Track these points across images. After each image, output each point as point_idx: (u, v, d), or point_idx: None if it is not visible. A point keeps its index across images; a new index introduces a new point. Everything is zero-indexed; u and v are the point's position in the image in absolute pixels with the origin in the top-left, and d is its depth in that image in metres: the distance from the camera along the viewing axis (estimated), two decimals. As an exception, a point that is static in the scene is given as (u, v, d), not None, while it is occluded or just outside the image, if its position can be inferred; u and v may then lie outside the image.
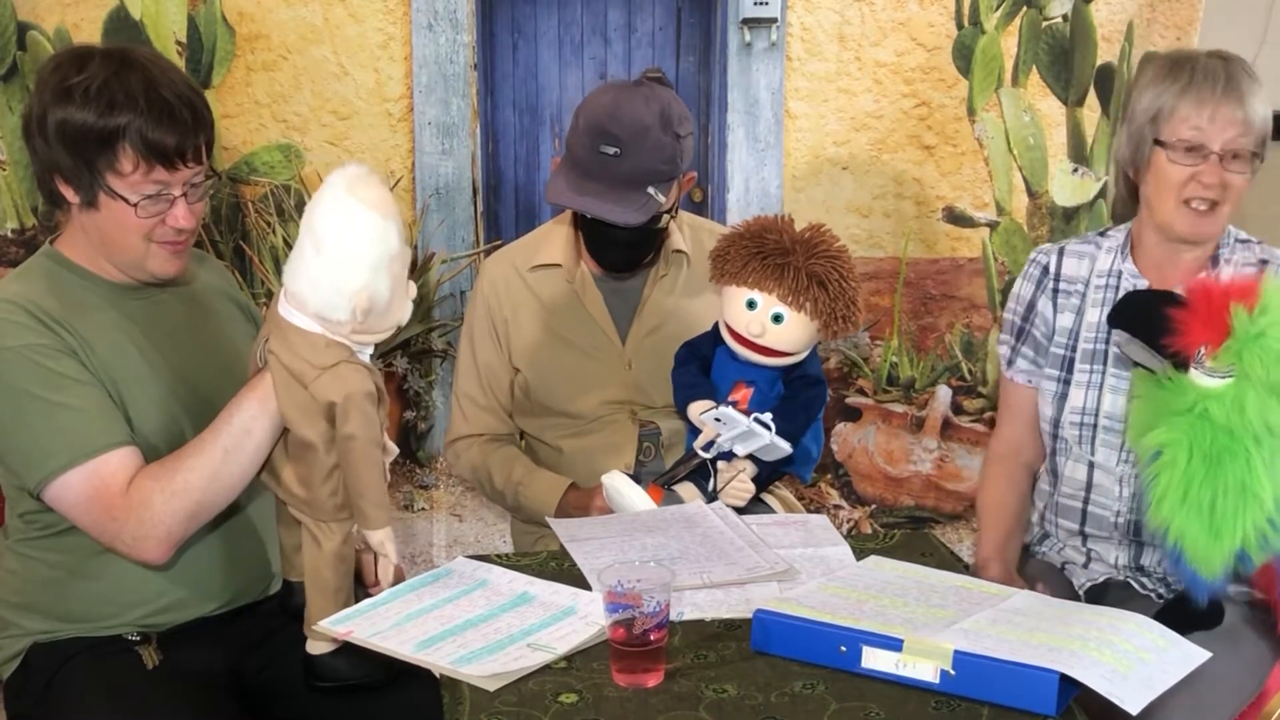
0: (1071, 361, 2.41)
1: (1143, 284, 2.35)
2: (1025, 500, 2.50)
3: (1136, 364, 2.10)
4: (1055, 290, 2.45)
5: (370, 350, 1.96)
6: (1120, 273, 2.39)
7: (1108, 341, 2.36)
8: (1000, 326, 2.58)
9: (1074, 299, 2.43)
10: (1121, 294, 2.35)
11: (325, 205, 1.88)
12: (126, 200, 2.03)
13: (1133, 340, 2.08)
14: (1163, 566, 2.34)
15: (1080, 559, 2.41)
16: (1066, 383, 2.41)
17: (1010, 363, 2.51)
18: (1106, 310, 2.35)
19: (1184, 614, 2.09)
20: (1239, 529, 1.99)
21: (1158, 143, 2.28)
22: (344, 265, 1.86)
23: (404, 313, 1.96)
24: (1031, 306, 2.47)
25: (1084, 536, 2.41)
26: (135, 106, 1.99)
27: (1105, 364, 2.37)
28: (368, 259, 1.86)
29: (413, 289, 1.97)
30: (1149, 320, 2.04)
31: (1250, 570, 2.07)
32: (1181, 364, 2.01)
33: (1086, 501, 2.39)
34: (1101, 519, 2.37)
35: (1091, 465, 2.37)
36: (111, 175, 2.02)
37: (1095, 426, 2.37)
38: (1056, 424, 2.42)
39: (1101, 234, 2.47)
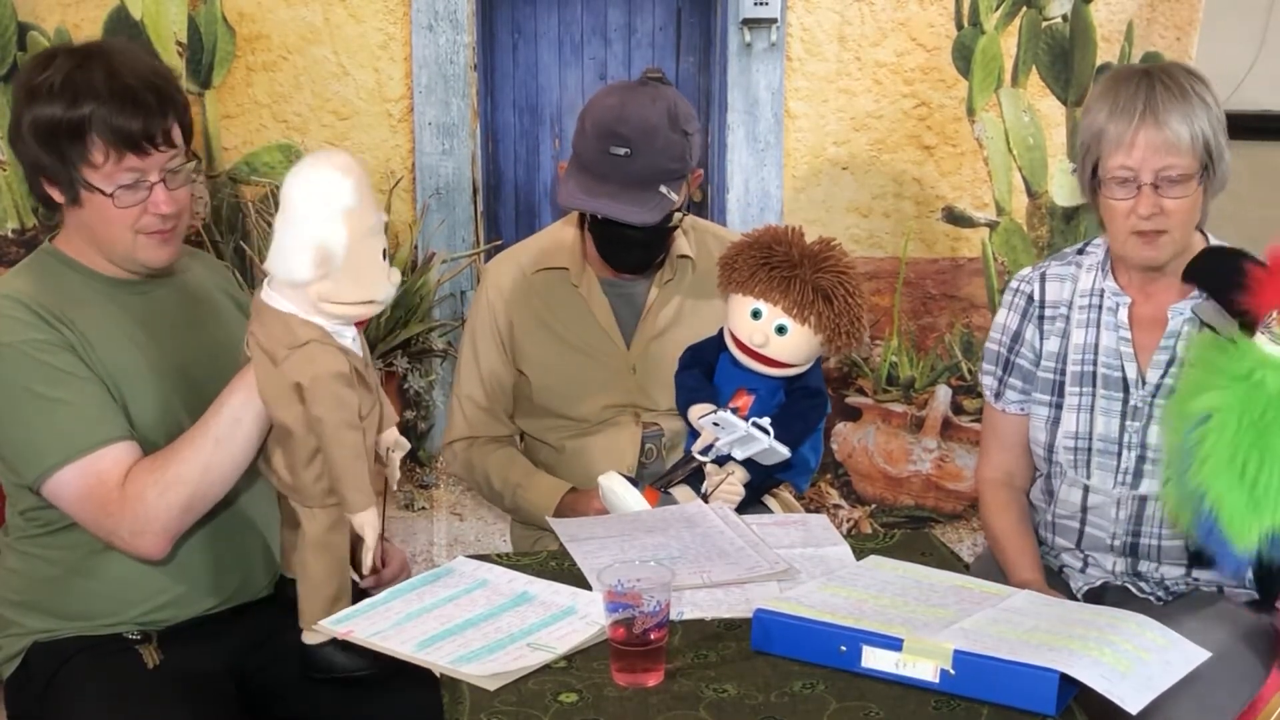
0: (1061, 385, 2.38)
1: (1125, 301, 2.33)
2: (1029, 518, 2.48)
3: (1204, 325, 2.04)
4: (1040, 317, 2.41)
5: (351, 333, 1.94)
6: (1103, 291, 2.36)
7: (1095, 363, 2.34)
8: (984, 354, 2.52)
9: (1059, 323, 2.40)
10: (1107, 315, 2.34)
11: (291, 175, 1.89)
12: (103, 192, 2.04)
13: (1206, 300, 2.03)
14: (1164, 572, 2.33)
15: (1077, 564, 2.41)
16: (1058, 407, 2.38)
17: (998, 395, 2.47)
18: (1091, 331, 2.35)
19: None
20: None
21: (1095, 175, 2.25)
22: (300, 220, 1.86)
23: (378, 290, 1.91)
24: (1018, 337, 2.44)
25: (1081, 550, 2.40)
26: (97, 95, 2.00)
27: (1095, 385, 2.34)
28: (322, 210, 1.85)
29: (395, 274, 1.94)
30: (1225, 276, 1.98)
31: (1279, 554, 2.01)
32: (1249, 326, 1.95)
33: (1083, 523, 2.37)
34: (1098, 539, 2.36)
35: (1086, 489, 2.35)
36: (85, 168, 2.03)
37: (1089, 450, 2.34)
38: (1050, 449, 2.39)
39: (1080, 251, 2.43)
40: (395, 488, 2.03)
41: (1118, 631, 1.81)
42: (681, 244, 2.66)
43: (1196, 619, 2.20)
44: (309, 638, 1.98)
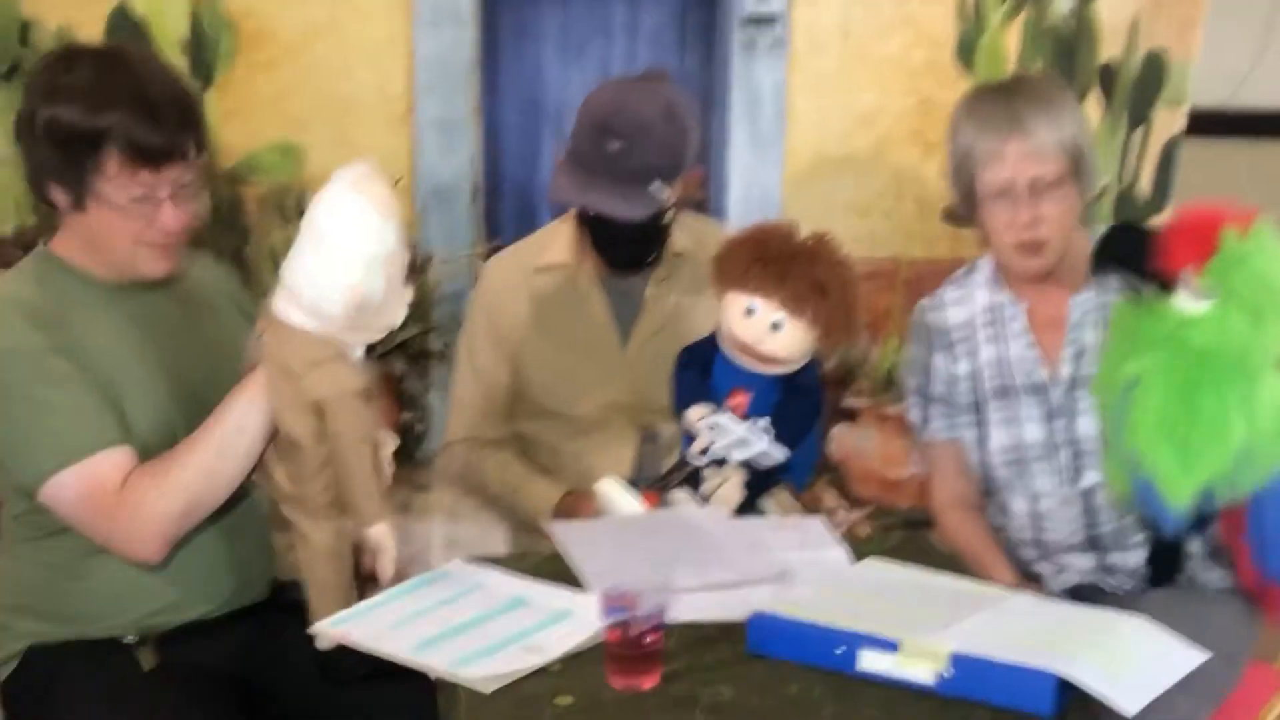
0: (982, 404, 2.41)
1: (1022, 308, 2.37)
2: (988, 530, 2.48)
3: (1129, 289, 2.09)
4: (947, 344, 2.45)
5: (362, 349, 1.97)
6: (1001, 304, 2.40)
7: (1010, 375, 2.38)
8: (905, 389, 2.56)
9: (964, 344, 2.43)
10: (1008, 326, 2.38)
11: (327, 201, 1.90)
12: (113, 203, 2.03)
13: (1121, 274, 2.09)
14: (1129, 561, 2.35)
15: (1050, 570, 2.42)
16: (983, 424, 2.41)
17: (924, 425, 2.50)
18: (998, 345, 2.39)
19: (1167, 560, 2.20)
20: (1209, 463, 1.98)
21: (973, 193, 2.28)
22: (339, 260, 1.88)
23: (398, 315, 1.98)
24: (928, 368, 2.47)
25: (1046, 557, 2.42)
26: (120, 107, 1.98)
27: (1014, 396, 2.37)
28: (363, 255, 1.88)
29: (408, 293, 1.98)
30: (1133, 249, 2.03)
31: (1213, 508, 2.05)
32: (1166, 288, 1.98)
33: (1040, 530, 2.39)
34: (1058, 542, 2.38)
35: (1034, 496, 2.38)
36: (97, 177, 2.01)
37: (1024, 459, 2.37)
38: (986, 466, 2.42)
39: (969, 271, 2.47)
40: (389, 483, 2.04)
41: (1115, 633, 1.81)
42: (678, 240, 2.66)
43: (1173, 604, 2.22)
44: (323, 642, 1.98)
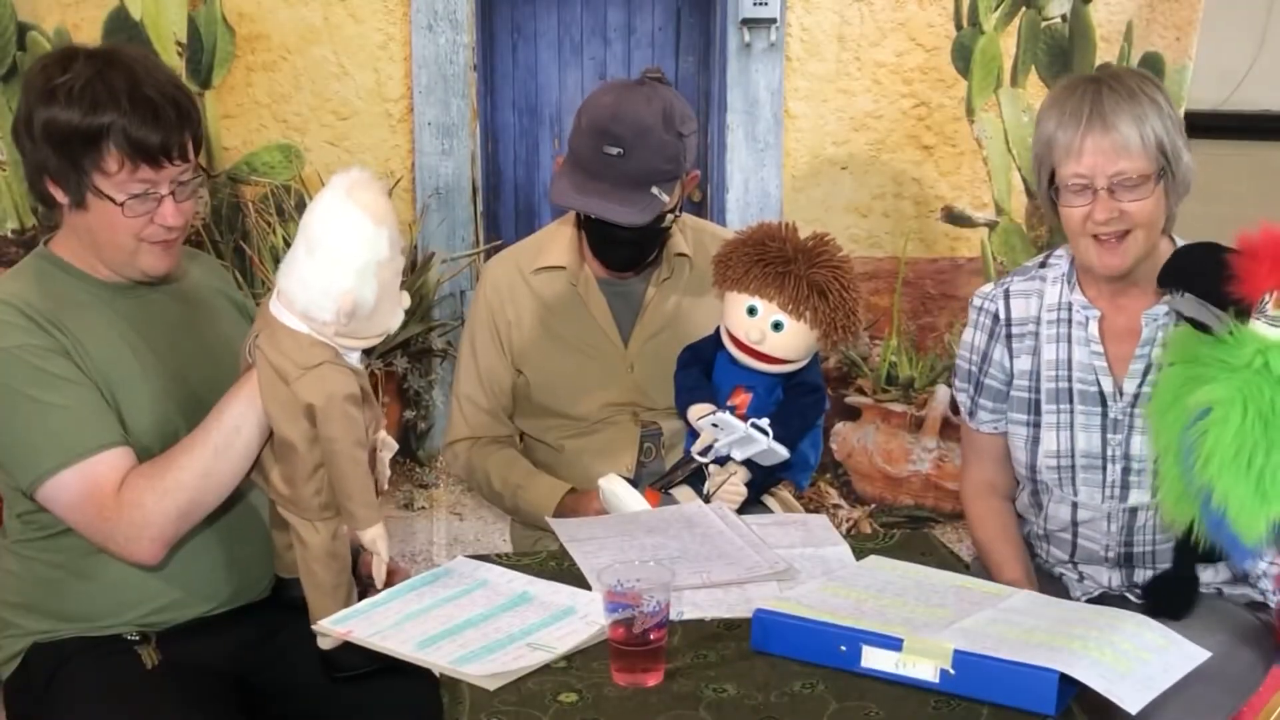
0: (1037, 404, 2.35)
1: (1094, 314, 2.30)
2: (1017, 522, 2.47)
3: (1187, 320, 2.01)
4: (1008, 335, 2.38)
5: (358, 354, 1.97)
6: (1070, 305, 2.33)
7: (1070, 379, 2.32)
8: (956, 370, 2.50)
9: (1028, 340, 2.37)
10: (1075, 329, 2.31)
11: (322, 206, 1.91)
12: (113, 200, 2.03)
13: (1187, 296, 2.00)
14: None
15: (1074, 576, 2.41)
16: (1036, 425, 2.36)
17: (972, 414, 2.46)
18: (1062, 347, 2.32)
19: (1164, 594, 2.16)
20: None
21: (1052, 183, 2.23)
22: (332, 266, 1.88)
23: (393, 321, 1.98)
24: (986, 357, 2.41)
25: (1074, 563, 2.40)
26: (118, 105, 1.99)
27: (1071, 402, 2.32)
28: (356, 262, 1.88)
29: (405, 299, 1.99)
30: (1206, 270, 1.95)
31: None
32: (1243, 313, 1.91)
33: (1075, 535, 2.36)
34: (1092, 552, 2.35)
35: (1075, 505, 2.34)
36: (97, 175, 2.02)
37: (1073, 467, 2.32)
38: (1033, 468, 2.37)
39: (1043, 264, 2.40)
40: (385, 487, 2.04)
41: (1117, 631, 1.81)
42: (678, 242, 2.67)
43: (1195, 620, 2.21)
44: (324, 642, 1.98)
